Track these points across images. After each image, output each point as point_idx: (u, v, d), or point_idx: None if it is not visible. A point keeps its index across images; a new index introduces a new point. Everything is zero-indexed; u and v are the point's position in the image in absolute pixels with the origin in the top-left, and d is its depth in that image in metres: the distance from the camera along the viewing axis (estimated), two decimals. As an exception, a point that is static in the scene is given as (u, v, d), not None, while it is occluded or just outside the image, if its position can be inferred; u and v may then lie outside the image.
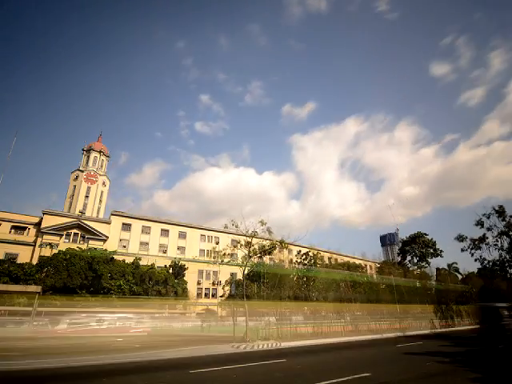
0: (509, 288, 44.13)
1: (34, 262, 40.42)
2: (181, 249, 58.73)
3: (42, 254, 43.55)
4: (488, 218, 32.12)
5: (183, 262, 48.64)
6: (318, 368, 10.67)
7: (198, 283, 56.29)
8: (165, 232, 58.34)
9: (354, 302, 30.27)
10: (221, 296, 54.23)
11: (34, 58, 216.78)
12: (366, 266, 65.77)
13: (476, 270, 54.79)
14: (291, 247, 39.68)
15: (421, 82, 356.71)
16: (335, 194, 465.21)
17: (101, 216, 69.72)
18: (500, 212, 31.71)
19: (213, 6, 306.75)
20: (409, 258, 61.38)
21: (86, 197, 72.55)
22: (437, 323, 34.41)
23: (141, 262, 43.92)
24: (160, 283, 40.84)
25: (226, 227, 21.06)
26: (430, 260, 58.46)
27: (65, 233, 48.00)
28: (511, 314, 28.27)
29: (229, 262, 26.22)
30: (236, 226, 20.18)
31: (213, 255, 42.32)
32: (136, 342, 19.69)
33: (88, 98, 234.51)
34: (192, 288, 52.09)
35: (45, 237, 46.11)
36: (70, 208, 69.18)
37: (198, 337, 25.40)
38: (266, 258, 36.29)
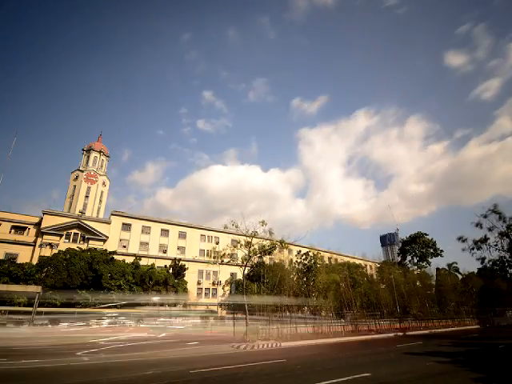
0: (509, 288, 44.12)
1: (34, 262, 40.39)
2: (181, 249, 58.70)
3: (41, 253, 43.54)
4: (485, 217, 32.01)
5: (183, 262, 48.64)
6: (318, 368, 10.66)
7: (198, 283, 56.29)
8: (165, 232, 58.32)
9: (354, 301, 30.27)
10: (221, 296, 54.26)
11: (34, 57, 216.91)
12: (366, 265, 65.75)
13: (476, 270, 54.76)
14: (291, 247, 39.65)
15: (435, 72, 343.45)
16: (341, 191, 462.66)
17: (101, 216, 69.71)
18: (496, 212, 31.60)
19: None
20: (409, 257, 61.38)
21: (86, 197, 72.54)
22: (437, 323, 34.43)
23: (141, 262, 43.93)
24: (160, 283, 40.82)
25: (226, 227, 21.06)
26: (430, 260, 58.49)
27: (65, 233, 47.98)
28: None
29: (229, 262, 26.21)
30: (236, 226, 20.18)
31: (213, 255, 42.27)
32: (135, 342, 19.67)
33: (89, 98, 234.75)
34: (192, 288, 52.08)
35: (45, 237, 46.10)
36: (70, 208, 69.17)
37: (198, 337, 25.39)
38: (266, 258, 36.28)
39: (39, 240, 45.83)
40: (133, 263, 42.33)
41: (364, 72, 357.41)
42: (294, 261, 42.64)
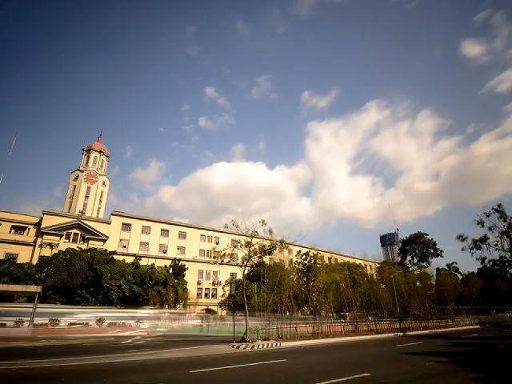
0: (509, 288, 44.12)
1: (34, 261, 40.41)
2: (181, 249, 58.73)
3: (41, 254, 43.56)
4: (488, 216, 31.94)
5: (183, 262, 48.66)
6: (318, 368, 10.66)
7: (198, 283, 56.31)
8: (165, 232, 58.34)
9: (354, 301, 30.25)
10: (221, 296, 54.28)
11: (35, 58, 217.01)
12: (366, 265, 65.79)
13: (476, 270, 54.80)
14: (291, 247, 39.67)
15: (449, 62, 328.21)
16: (346, 189, 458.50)
17: (101, 216, 69.74)
18: (499, 211, 31.55)
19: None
20: (409, 257, 61.44)
21: (86, 197, 72.58)
22: (437, 323, 34.41)
23: (141, 262, 43.94)
24: (160, 283, 40.83)
25: (226, 227, 21.02)
26: (430, 260, 58.50)
27: (65, 233, 47.99)
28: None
29: (229, 262, 26.18)
30: (236, 226, 20.14)
31: (213, 255, 42.29)
32: (135, 341, 19.68)
33: (90, 97, 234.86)
34: (192, 288, 52.08)
35: (45, 237, 46.12)
36: (70, 208, 69.21)
37: (197, 337, 25.40)
38: (266, 258, 36.26)
39: (39, 240, 45.86)
40: (133, 263, 42.35)
41: (375, 64, 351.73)
42: (294, 261, 42.64)
